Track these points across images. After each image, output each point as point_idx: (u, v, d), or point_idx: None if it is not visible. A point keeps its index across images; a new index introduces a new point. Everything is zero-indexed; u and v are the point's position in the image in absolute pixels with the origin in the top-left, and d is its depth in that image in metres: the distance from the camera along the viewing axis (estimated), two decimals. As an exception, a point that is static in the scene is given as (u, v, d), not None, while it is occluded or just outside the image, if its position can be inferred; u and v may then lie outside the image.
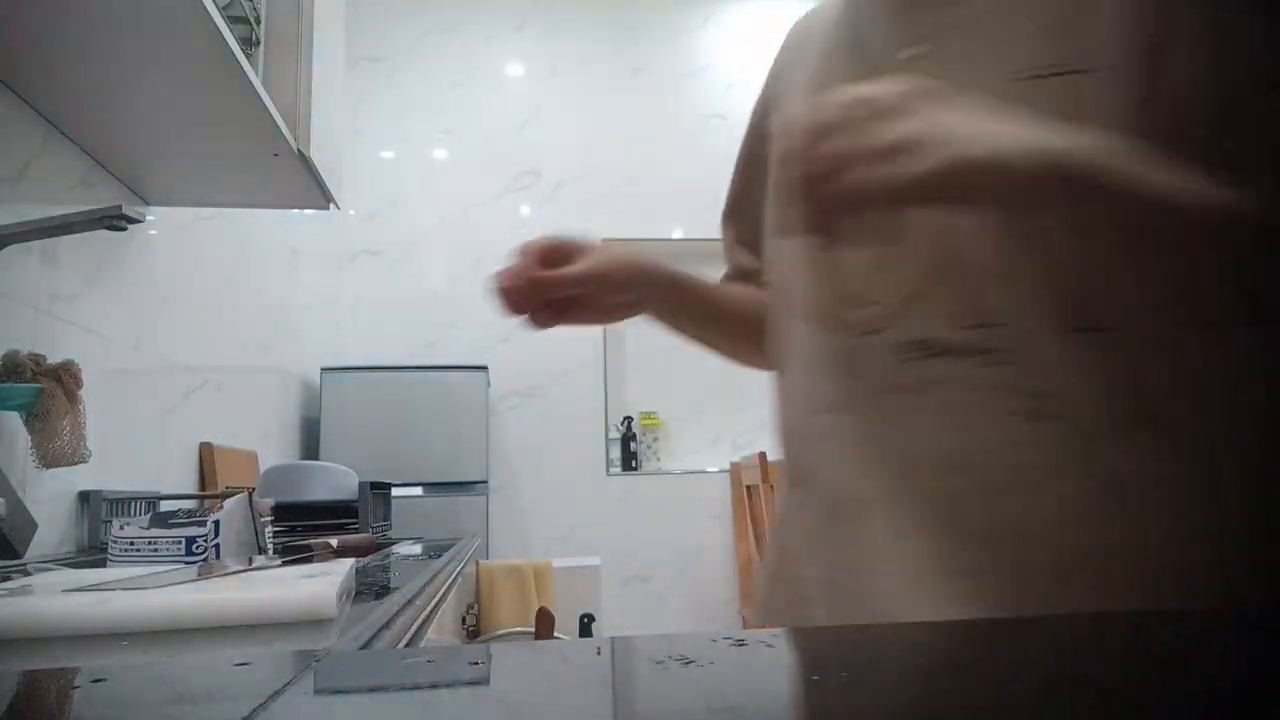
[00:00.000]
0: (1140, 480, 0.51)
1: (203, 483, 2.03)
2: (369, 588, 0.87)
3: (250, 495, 1.05)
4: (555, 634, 2.93)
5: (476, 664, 0.40)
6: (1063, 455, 0.52)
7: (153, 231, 1.81)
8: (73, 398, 1.22)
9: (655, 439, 4.03)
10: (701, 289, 0.78)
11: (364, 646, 0.57)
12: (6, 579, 0.81)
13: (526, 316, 0.69)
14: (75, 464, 1.23)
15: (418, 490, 3.16)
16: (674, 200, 3.91)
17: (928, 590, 0.53)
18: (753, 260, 0.79)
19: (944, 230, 0.55)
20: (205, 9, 1.11)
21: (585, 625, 3.15)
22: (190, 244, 2.03)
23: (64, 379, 1.21)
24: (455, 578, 1.32)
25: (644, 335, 3.25)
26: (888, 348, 0.57)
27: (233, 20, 1.43)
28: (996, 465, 0.53)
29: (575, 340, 3.89)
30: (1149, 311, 0.52)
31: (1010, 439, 0.53)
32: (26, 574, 0.88)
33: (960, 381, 0.54)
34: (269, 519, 1.11)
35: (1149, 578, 0.50)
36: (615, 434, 3.96)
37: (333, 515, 1.82)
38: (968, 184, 0.47)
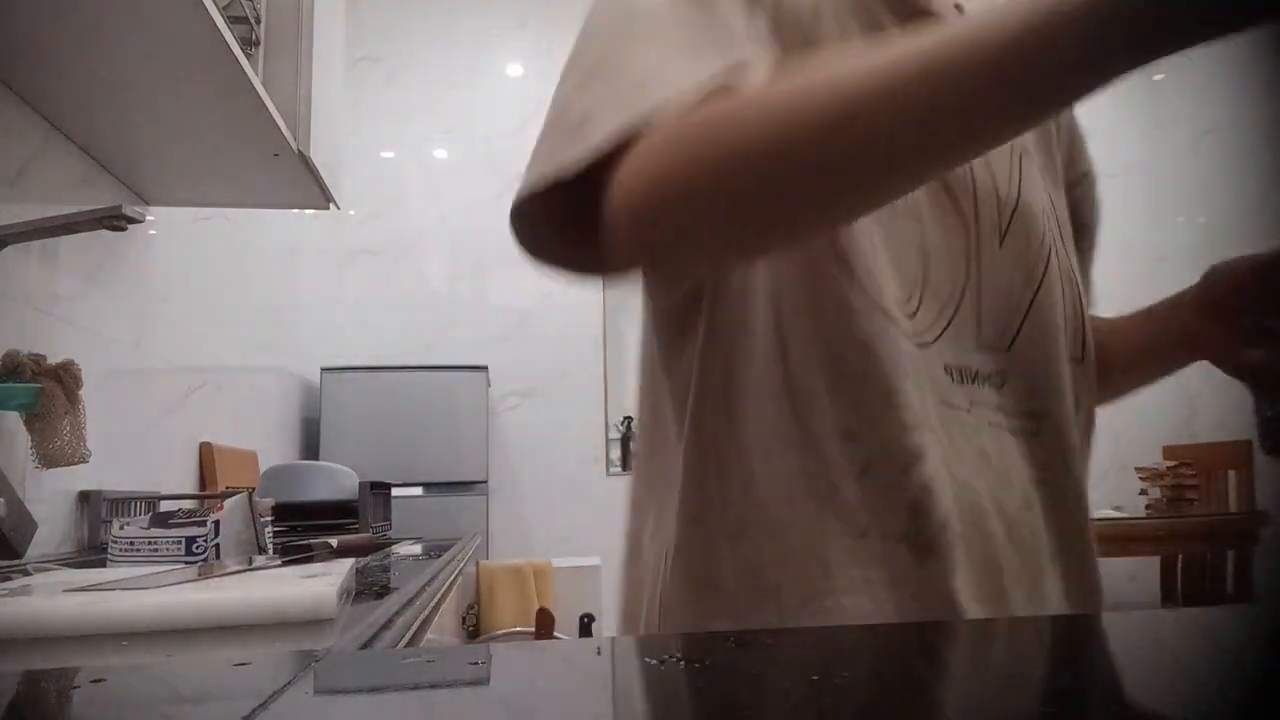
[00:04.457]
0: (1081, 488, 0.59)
1: (203, 483, 2.03)
2: (369, 588, 0.87)
3: (250, 495, 1.05)
4: (555, 634, 2.93)
5: (476, 664, 0.40)
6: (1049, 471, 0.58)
7: (153, 231, 1.81)
8: (73, 398, 1.22)
9: (655, 439, 4.02)
10: None
11: (364, 646, 0.57)
12: (6, 579, 0.81)
13: None
14: (75, 464, 1.23)
15: (418, 490, 3.16)
16: (674, 200, 3.91)
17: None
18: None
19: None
20: (205, 9, 1.11)
21: (585, 625, 3.15)
22: (190, 244, 2.02)
23: (64, 379, 1.21)
24: (455, 578, 1.33)
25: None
26: (940, 364, 0.55)
27: (233, 20, 1.43)
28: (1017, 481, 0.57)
29: (575, 340, 3.89)
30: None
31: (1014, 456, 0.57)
32: (26, 574, 0.88)
33: (985, 404, 0.56)
34: (269, 519, 1.11)
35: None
36: (615, 434, 3.95)
37: (333, 515, 1.82)
38: None
